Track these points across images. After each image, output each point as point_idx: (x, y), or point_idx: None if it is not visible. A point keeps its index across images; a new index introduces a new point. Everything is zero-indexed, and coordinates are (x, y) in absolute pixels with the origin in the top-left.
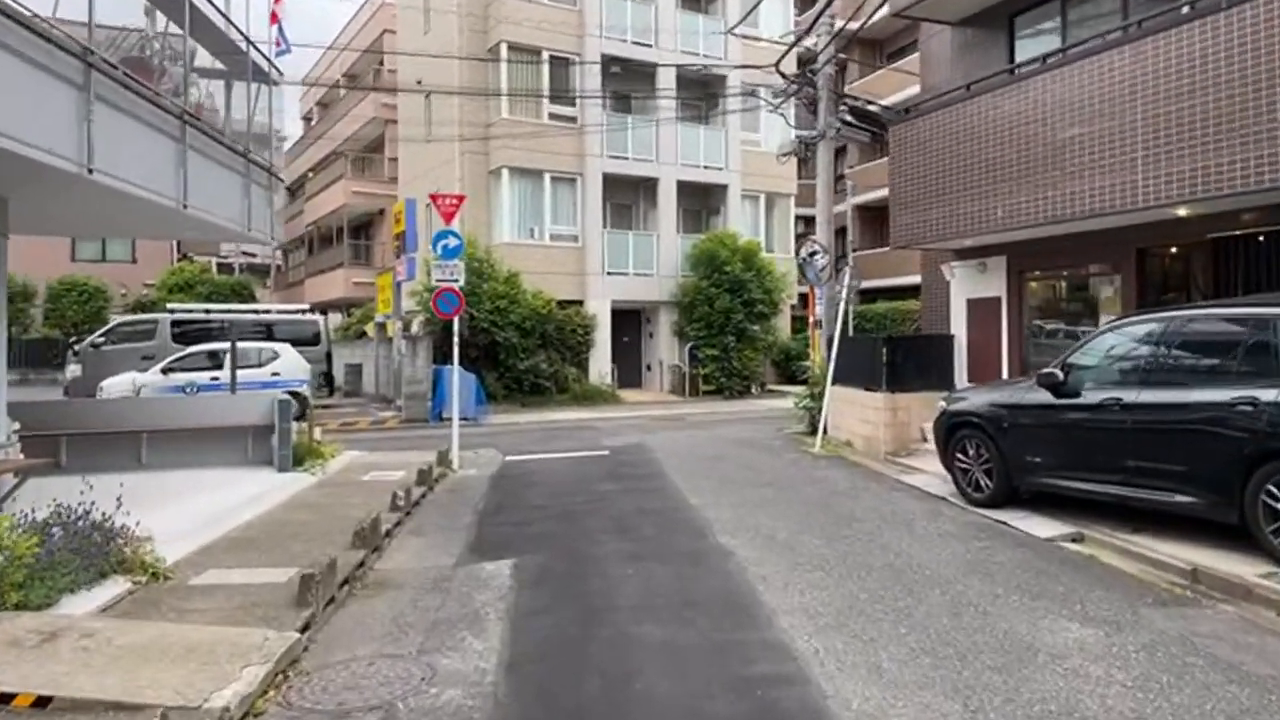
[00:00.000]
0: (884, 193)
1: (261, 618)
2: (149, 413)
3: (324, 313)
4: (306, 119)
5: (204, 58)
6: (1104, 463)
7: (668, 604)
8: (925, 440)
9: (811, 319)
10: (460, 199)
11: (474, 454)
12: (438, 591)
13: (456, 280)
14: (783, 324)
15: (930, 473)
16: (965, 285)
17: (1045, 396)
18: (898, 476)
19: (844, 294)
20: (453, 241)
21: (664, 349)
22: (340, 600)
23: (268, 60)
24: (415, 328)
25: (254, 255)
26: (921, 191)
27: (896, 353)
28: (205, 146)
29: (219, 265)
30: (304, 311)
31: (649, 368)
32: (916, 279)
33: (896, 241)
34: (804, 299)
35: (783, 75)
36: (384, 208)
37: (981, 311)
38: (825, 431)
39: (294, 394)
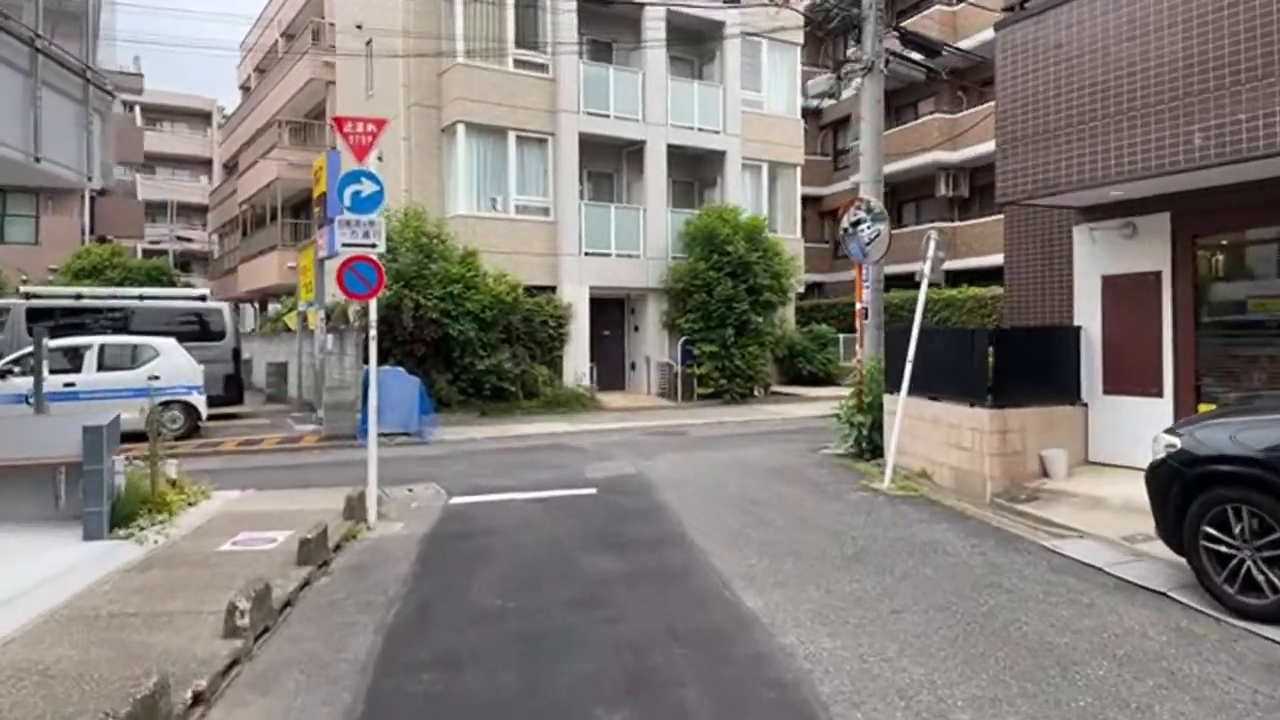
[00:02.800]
0: (902, 165)
1: None
2: None
3: (263, 303)
4: (245, 89)
5: None
6: None
7: None
8: (1046, 476)
9: (858, 306)
10: (380, 124)
11: (407, 493)
12: None
13: (374, 245)
14: (788, 315)
15: (1091, 535)
16: (1099, 257)
17: None
18: (1041, 540)
19: (926, 272)
20: (367, 187)
21: (651, 344)
22: None
23: None
24: (352, 316)
25: (190, 240)
26: (1048, 121)
27: (1007, 352)
28: None
29: (146, 251)
30: (203, 298)
31: (633, 366)
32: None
33: (1005, 194)
34: (813, 288)
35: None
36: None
37: (1126, 294)
38: (878, 456)
39: (181, 403)
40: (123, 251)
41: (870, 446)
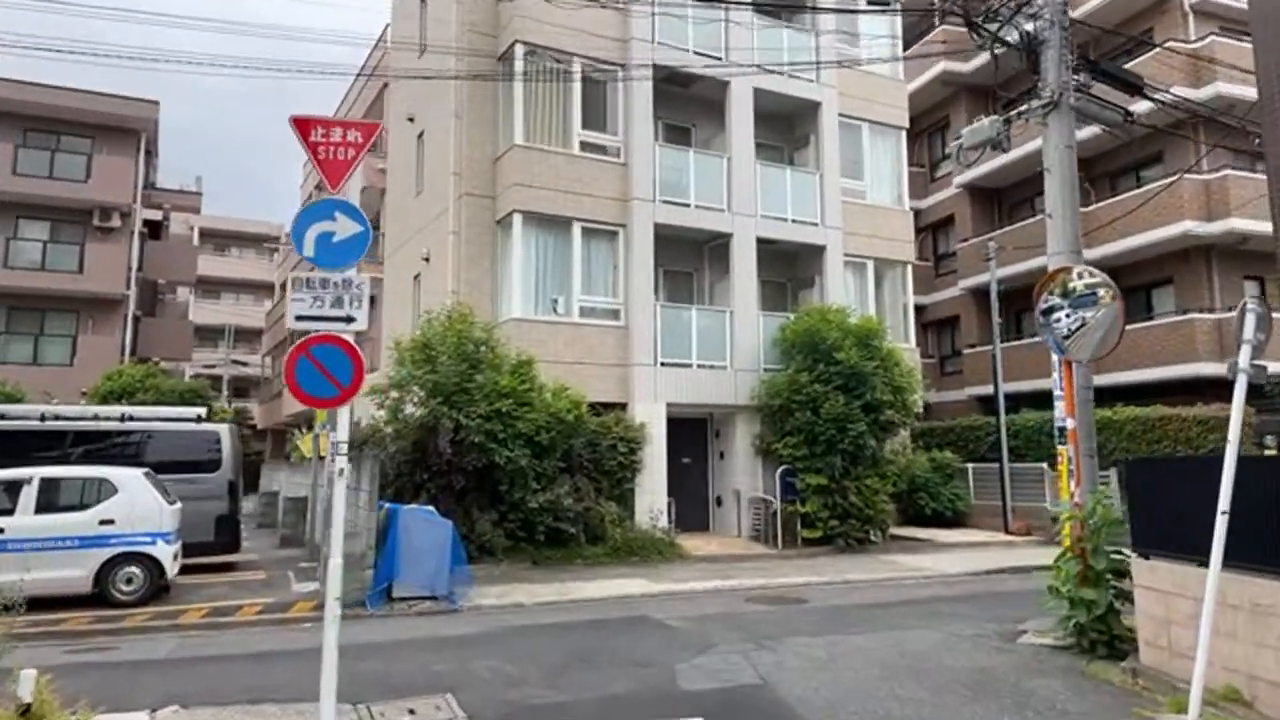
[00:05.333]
0: (1022, 267)
1: None
2: None
3: (309, 427)
4: None
5: None
6: None
7: None
8: None
9: (1068, 424)
10: (367, 130)
11: (407, 718)
12: None
13: (349, 319)
14: (905, 440)
15: None
16: None
17: None
18: None
19: (1242, 364)
20: (344, 226)
21: (742, 474)
22: None
23: None
24: (389, 436)
25: (244, 364)
26: None
27: None
28: None
29: (199, 375)
30: (198, 418)
31: (720, 502)
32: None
33: None
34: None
35: (971, 24)
36: (374, 294)
37: None
38: (1117, 654)
39: (140, 558)
40: (157, 373)
41: (1104, 636)
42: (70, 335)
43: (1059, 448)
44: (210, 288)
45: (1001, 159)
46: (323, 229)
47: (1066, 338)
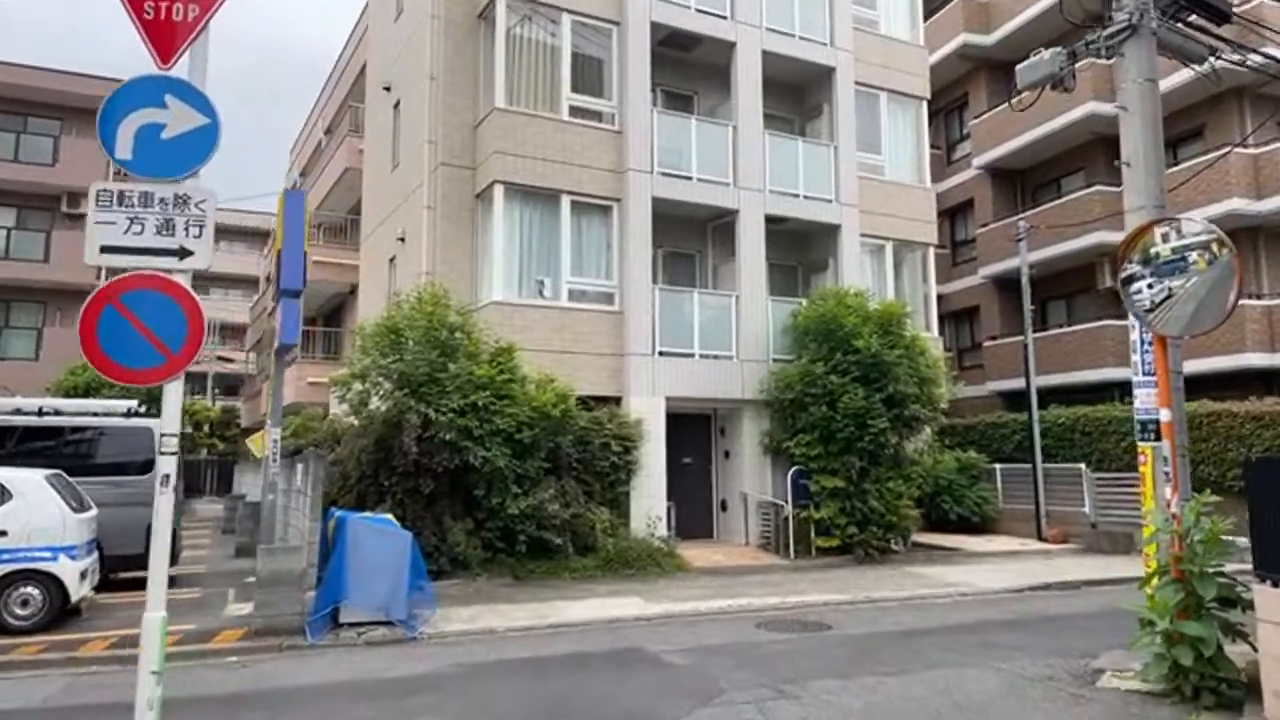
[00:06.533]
0: (1048, 252)
1: None
2: None
3: None
4: None
5: None
6: None
7: None
8: None
9: (1164, 416)
10: None
11: None
12: None
13: (185, 253)
14: (927, 438)
15: None
16: None
17: None
18: None
19: None
20: (181, 117)
21: (750, 476)
22: None
23: None
24: (353, 438)
25: (230, 360)
26: None
27: None
28: None
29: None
30: (128, 413)
31: (724, 506)
32: (1116, 373)
33: None
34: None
35: None
36: (356, 283)
37: None
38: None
39: (38, 577)
40: None
41: (1211, 681)
42: (36, 328)
43: (1141, 445)
44: (197, 282)
45: (1023, 138)
46: (146, 119)
47: (1149, 311)
